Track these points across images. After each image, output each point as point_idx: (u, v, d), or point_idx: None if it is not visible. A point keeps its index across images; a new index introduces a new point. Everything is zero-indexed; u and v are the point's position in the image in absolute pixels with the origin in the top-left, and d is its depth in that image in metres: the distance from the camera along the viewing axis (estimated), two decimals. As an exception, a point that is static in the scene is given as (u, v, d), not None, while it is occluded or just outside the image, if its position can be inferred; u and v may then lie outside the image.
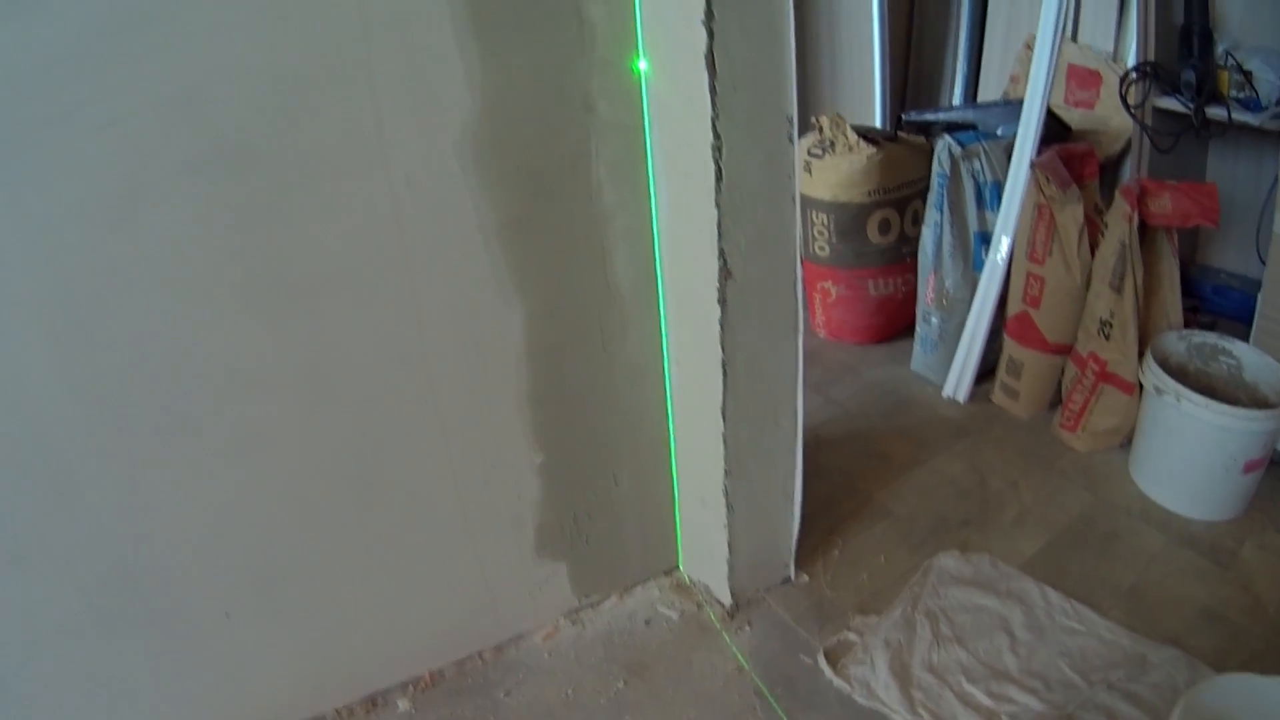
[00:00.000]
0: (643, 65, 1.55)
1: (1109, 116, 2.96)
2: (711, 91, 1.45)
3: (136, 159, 1.21)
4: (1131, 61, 2.86)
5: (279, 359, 1.43)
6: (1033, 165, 2.45)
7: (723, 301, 1.59)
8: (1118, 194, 2.37)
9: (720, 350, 1.64)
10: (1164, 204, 2.36)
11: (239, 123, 1.27)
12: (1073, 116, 3.00)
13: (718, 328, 1.61)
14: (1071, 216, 2.41)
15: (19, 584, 1.36)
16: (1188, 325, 2.53)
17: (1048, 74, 2.37)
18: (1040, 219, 2.45)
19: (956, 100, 3.44)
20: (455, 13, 1.37)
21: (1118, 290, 2.36)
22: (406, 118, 1.39)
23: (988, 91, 3.40)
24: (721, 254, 1.56)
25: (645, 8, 1.50)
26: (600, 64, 1.52)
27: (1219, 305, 3.10)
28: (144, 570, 1.46)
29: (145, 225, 1.25)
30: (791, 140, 1.58)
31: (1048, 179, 2.40)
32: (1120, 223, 2.34)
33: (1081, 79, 3.02)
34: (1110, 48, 3.01)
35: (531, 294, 1.60)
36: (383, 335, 1.50)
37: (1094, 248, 2.46)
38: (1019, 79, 3.15)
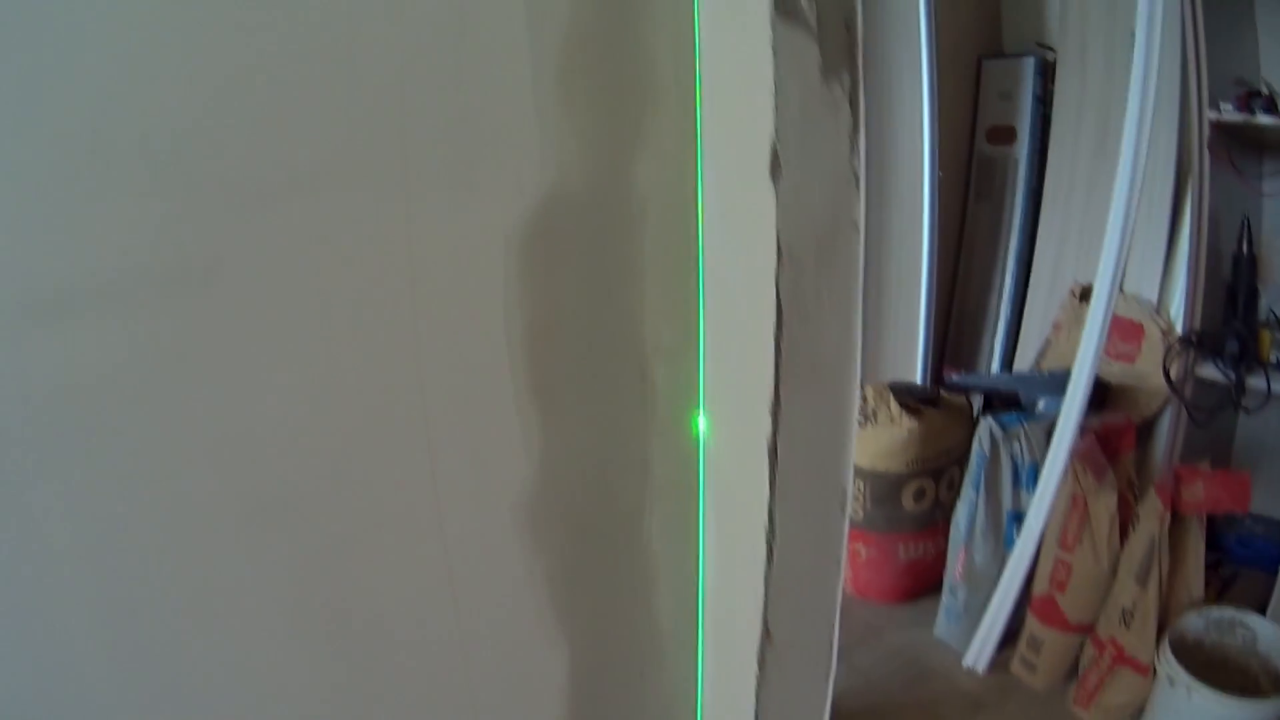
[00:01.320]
0: (702, 424, 1.57)
1: (1149, 373, 2.97)
2: (770, 481, 1.47)
3: (186, 498, 1.21)
4: (1174, 310, 2.89)
5: (325, 691, 1.43)
6: (1070, 456, 2.47)
7: (761, 664, 1.60)
8: (1152, 490, 2.40)
9: (755, 701, 1.64)
10: (1197, 492, 2.39)
11: (291, 474, 1.27)
12: (1113, 371, 3.01)
13: (754, 683, 1.62)
14: (1105, 507, 2.43)
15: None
16: (1209, 581, 2.55)
17: (1089, 377, 2.40)
18: (1074, 508, 2.47)
19: (999, 341, 3.47)
20: (517, 377, 1.39)
21: (1143, 584, 2.38)
22: (463, 479, 1.40)
23: (1030, 335, 3.42)
24: (765, 623, 1.57)
25: (709, 372, 1.53)
26: (659, 426, 1.54)
27: (1243, 555, 3.09)
28: None
29: (193, 558, 1.25)
30: (844, 512, 1.60)
31: (1084, 469, 2.42)
32: (1152, 519, 2.36)
33: (1124, 331, 3.04)
34: (1155, 297, 3.03)
35: (577, 637, 1.61)
36: (430, 674, 1.50)
37: (1124, 528, 2.48)
38: (1061, 327, 3.18)
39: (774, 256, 1.39)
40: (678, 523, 1.63)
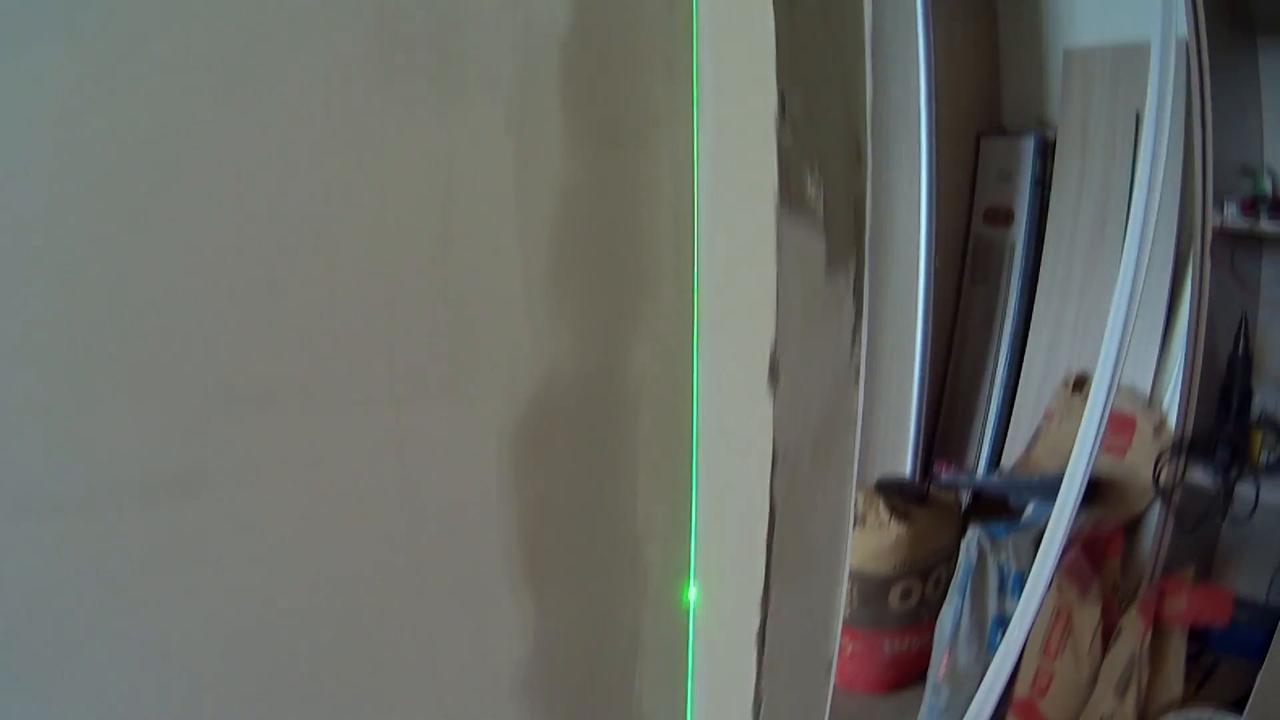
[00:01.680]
0: (692, 598, 1.59)
1: (1139, 468, 2.98)
2: (758, 663, 1.49)
3: (186, 674, 1.18)
4: (1167, 402, 2.92)
5: None
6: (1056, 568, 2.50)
7: (746, 828, 1.63)
8: (1135, 608, 2.44)
9: None
10: (1179, 605, 2.45)
11: (290, 645, 1.27)
12: (1102, 464, 3.02)
13: (739, 846, 1.65)
14: (1089, 619, 2.47)
15: None
16: (1189, 673, 2.61)
17: (1077, 497, 2.43)
18: (1058, 619, 2.51)
19: (990, 428, 3.47)
20: (512, 566, 1.40)
21: (1121, 695, 2.42)
22: (462, 664, 1.42)
23: (1022, 423, 3.41)
24: (750, 788, 1.60)
25: (700, 561, 1.55)
26: (651, 601, 1.56)
27: (1224, 644, 3.11)
28: None
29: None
30: (829, 678, 1.63)
31: (1069, 583, 2.46)
32: (1134, 635, 2.41)
33: (1116, 424, 3.04)
34: (1147, 389, 3.05)
35: (567, 799, 1.64)
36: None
37: (1107, 634, 2.52)
38: (1053, 416, 3.19)
39: (769, 459, 1.40)
40: (667, 687, 1.65)
